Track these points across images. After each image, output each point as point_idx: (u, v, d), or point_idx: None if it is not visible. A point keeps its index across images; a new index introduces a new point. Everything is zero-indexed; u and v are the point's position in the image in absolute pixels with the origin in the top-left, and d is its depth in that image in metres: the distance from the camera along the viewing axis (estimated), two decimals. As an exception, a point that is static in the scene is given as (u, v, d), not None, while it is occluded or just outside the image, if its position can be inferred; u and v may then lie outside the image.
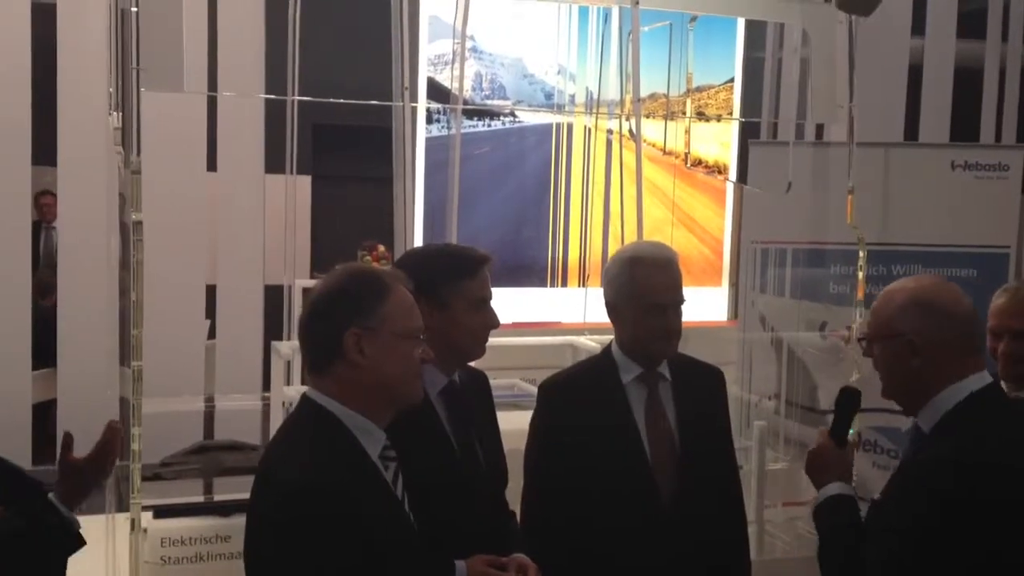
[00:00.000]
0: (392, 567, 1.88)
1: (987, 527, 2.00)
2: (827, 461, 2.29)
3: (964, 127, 7.63)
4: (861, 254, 4.30)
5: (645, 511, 2.59)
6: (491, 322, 2.49)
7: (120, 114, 3.48)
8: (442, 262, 2.45)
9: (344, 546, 1.80)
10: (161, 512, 3.85)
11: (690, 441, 2.65)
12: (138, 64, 3.25)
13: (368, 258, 7.26)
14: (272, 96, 5.92)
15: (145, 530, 3.76)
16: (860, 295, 4.32)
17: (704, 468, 2.65)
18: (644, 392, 2.67)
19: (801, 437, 4.81)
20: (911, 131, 7.53)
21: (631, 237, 5.28)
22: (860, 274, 4.32)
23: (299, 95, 5.18)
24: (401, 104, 4.49)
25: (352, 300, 1.96)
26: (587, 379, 2.75)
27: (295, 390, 4.56)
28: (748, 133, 7.46)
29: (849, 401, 2.37)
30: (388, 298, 1.98)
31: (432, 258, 2.50)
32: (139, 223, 3.13)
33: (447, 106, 6.73)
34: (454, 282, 2.40)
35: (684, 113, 6.66)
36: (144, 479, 4.09)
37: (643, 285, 2.60)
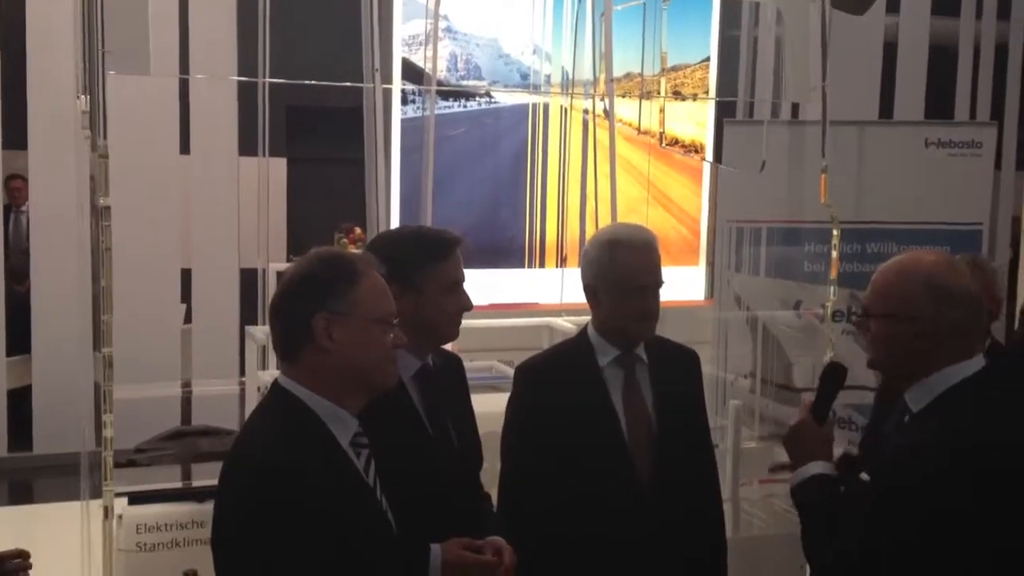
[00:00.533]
0: (360, 553, 1.87)
1: (989, 509, 1.99)
2: (808, 438, 2.26)
3: (939, 105, 7.66)
4: (835, 232, 4.32)
5: (623, 492, 2.59)
6: (464, 304, 2.48)
7: (88, 97, 3.44)
8: (414, 245, 2.43)
9: (306, 529, 1.78)
10: (136, 498, 3.83)
11: (667, 422, 2.65)
12: (104, 47, 3.20)
13: (345, 241, 7.23)
14: (243, 78, 5.86)
15: (120, 516, 3.75)
16: (834, 273, 4.34)
17: (681, 449, 2.65)
18: (621, 374, 2.66)
19: (776, 415, 4.83)
20: (886, 109, 7.55)
21: (607, 217, 5.27)
22: (834, 252, 4.33)
23: (271, 77, 5.14)
24: (372, 86, 4.46)
25: (322, 284, 1.94)
26: (564, 361, 2.74)
27: (270, 375, 4.54)
28: (724, 112, 7.47)
29: (834, 377, 2.32)
30: (359, 283, 1.95)
31: (403, 241, 2.48)
32: (107, 208, 3.07)
33: (421, 87, 6.69)
34: (426, 265, 2.39)
35: (659, 92, 6.65)
36: (119, 465, 4.07)
37: (623, 268, 2.59)
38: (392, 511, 2.03)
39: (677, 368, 2.74)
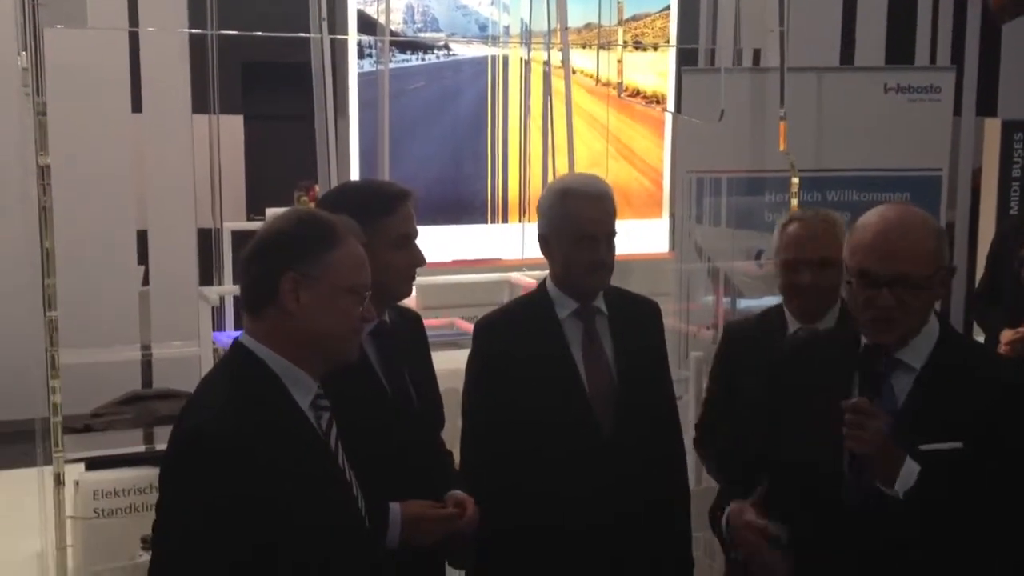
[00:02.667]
0: (318, 517, 1.83)
1: None
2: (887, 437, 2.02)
3: (900, 50, 7.64)
4: (794, 181, 4.30)
5: (585, 445, 2.58)
6: (416, 260, 2.43)
7: (27, 54, 3.35)
8: (358, 199, 2.37)
9: (249, 493, 1.74)
10: (93, 464, 3.78)
11: (628, 374, 2.63)
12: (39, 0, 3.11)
13: (305, 198, 7.14)
14: (191, 31, 5.73)
15: (77, 483, 3.70)
16: (794, 222, 4.31)
17: (642, 400, 2.64)
18: (581, 327, 2.64)
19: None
20: (847, 55, 7.52)
21: (566, 170, 5.23)
22: (794, 201, 4.32)
23: (223, 30, 5.02)
24: (319, 36, 4.36)
25: (296, 243, 1.88)
26: (523, 316, 2.71)
27: (226, 336, 4.49)
28: (686, 61, 7.40)
29: None
30: (336, 248, 1.89)
31: (348, 195, 2.42)
32: (47, 167, 2.98)
33: (375, 38, 6.56)
34: (372, 219, 2.32)
35: (618, 42, 6.57)
36: (75, 431, 4.02)
37: (573, 217, 2.57)
38: (357, 474, 1.99)
39: (638, 320, 2.72)
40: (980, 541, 2.02)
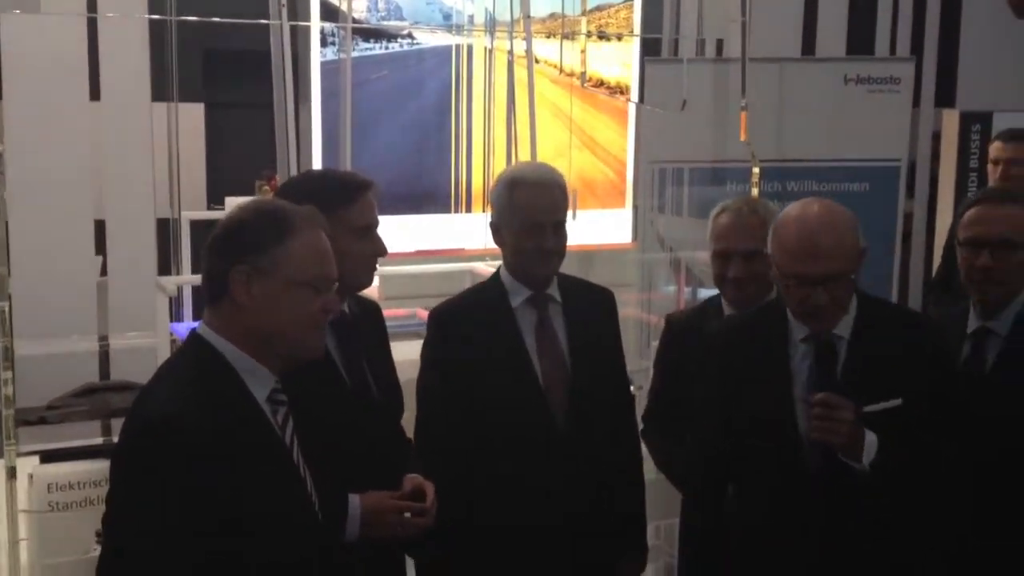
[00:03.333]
0: (268, 513, 1.81)
1: None
2: (853, 426, 2.20)
3: (860, 41, 7.68)
4: (755, 171, 4.32)
5: (539, 433, 2.61)
6: (378, 250, 2.43)
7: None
8: (319, 189, 2.35)
9: (200, 484, 1.71)
10: (47, 456, 3.72)
11: (582, 362, 2.66)
12: (-12, -15, 3.05)
13: (267, 188, 7.08)
14: (151, 16, 5.65)
15: (31, 476, 3.65)
16: (755, 212, 4.32)
17: (596, 388, 2.67)
18: (534, 315, 2.67)
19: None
20: (808, 46, 7.55)
21: (528, 160, 5.22)
22: (754, 191, 4.34)
23: (183, 16, 4.96)
24: (279, 23, 4.31)
25: (248, 235, 1.84)
26: (477, 304, 2.73)
27: (184, 327, 4.44)
28: (649, 52, 7.41)
29: (830, 352, 2.31)
30: (290, 240, 1.85)
31: (309, 185, 2.40)
32: (1, 155, 2.94)
33: (337, 25, 6.50)
34: (333, 209, 2.30)
35: (581, 32, 6.56)
36: (28, 423, 3.97)
37: (521, 206, 2.59)
38: (312, 468, 1.96)
39: (592, 308, 2.75)
40: (930, 490, 2.25)
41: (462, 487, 2.52)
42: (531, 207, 2.59)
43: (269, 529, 1.80)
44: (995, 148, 4.47)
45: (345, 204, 2.35)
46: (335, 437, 2.17)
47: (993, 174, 4.45)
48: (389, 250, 2.47)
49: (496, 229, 2.67)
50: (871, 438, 2.19)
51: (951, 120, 6.80)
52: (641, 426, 3.06)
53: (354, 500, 2.24)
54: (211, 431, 1.74)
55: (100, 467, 3.65)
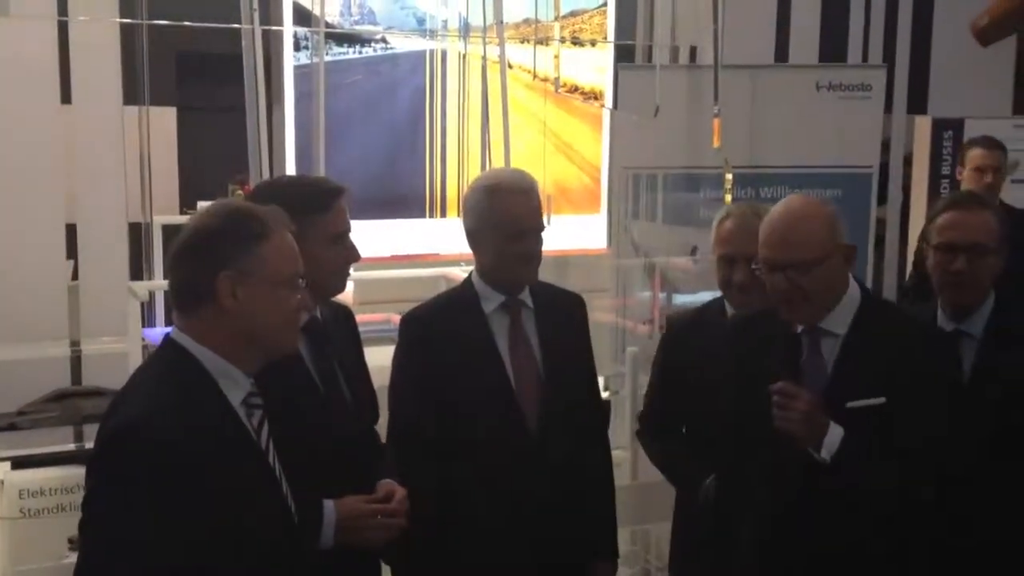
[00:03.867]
0: (244, 517, 1.81)
1: None
2: (816, 414, 2.26)
3: (833, 48, 7.74)
4: (728, 177, 4.35)
5: (511, 438, 2.63)
6: (351, 256, 2.44)
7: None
8: (293, 196, 2.35)
9: (177, 494, 1.71)
10: (19, 463, 3.70)
11: (553, 367, 2.68)
12: (-44, -12, 3.01)
13: (240, 192, 7.04)
14: (122, 20, 5.61)
15: (2, 482, 3.63)
16: (727, 218, 4.34)
17: (568, 393, 2.69)
18: (507, 320, 2.69)
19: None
20: (781, 54, 7.60)
21: (502, 165, 5.22)
22: (727, 197, 4.37)
23: (154, 20, 4.93)
24: (251, 27, 4.30)
25: (228, 240, 1.86)
26: (449, 310, 2.74)
27: (156, 332, 4.41)
28: (624, 58, 7.43)
29: (796, 347, 2.38)
30: (267, 240, 1.88)
31: (282, 192, 2.39)
32: (-30, 160, 2.90)
33: (310, 30, 6.48)
34: (308, 217, 2.31)
35: (554, 38, 6.58)
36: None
37: (503, 212, 2.60)
38: (286, 473, 1.97)
39: (563, 313, 2.77)
40: (894, 485, 2.27)
41: (431, 490, 2.53)
42: (514, 214, 2.60)
43: (245, 534, 1.80)
44: (979, 155, 4.52)
45: (320, 211, 2.36)
46: (307, 442, 2.17)
47: (975, 181, 4.50)
48: (363, 255, 2.48)
49: (473, 235, 2.67)
50: (836, 431, 2.24)
51: (923, 127, 6.86)
52: (637, 426, 3.12)
53: (329, 506, 2.25)
54: (185, 436, 1.74)
55: (72, 473, 3.64)
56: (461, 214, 2.71)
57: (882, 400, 2.25)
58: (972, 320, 2.67)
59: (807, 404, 2.25)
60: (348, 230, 2.43)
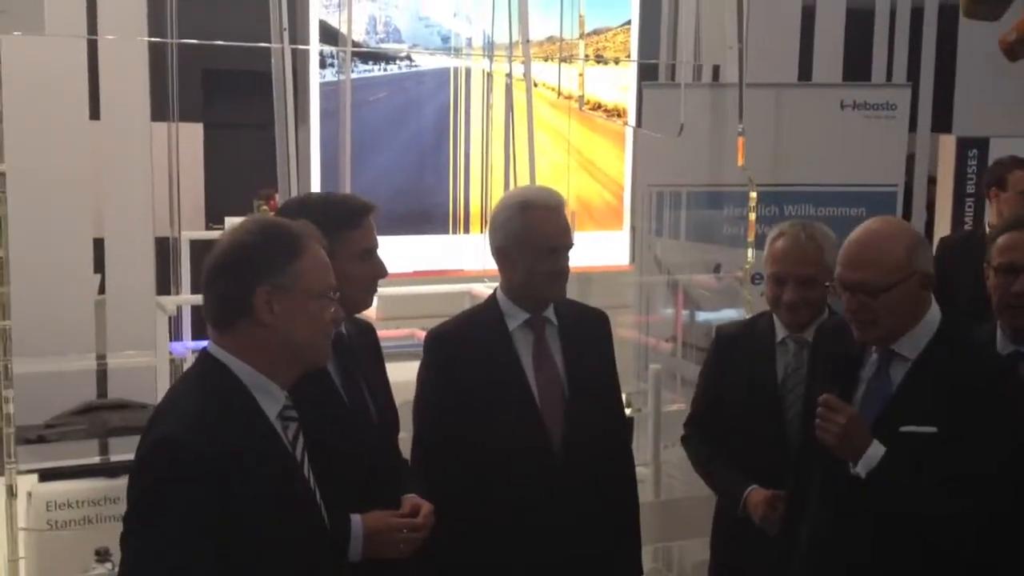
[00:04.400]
0: (283, 530, 1.83)
1: None
2: (857, 429, 2.28)
3: (857, 67, 7.74)
4: (752, 195, 4.34)
5: (535, 454, 2.64)
6: (379, 272, 2.47)
7: (-16, 60, 3.31)
8: (324, 213, 2.38)
9: (220, 508, 1.73)
10: (46, 475, 3.73)
11: (578, 384, 2.70)
12: (-5, 7, 3.07)
13: (265, 208, 7.09)
14: (151, 39, 5.68)
15: (30, 494, 3.66)
16: (751, 236, 4.37)
17: (592, 410, 2.71)
18: (531, 337, 2.70)
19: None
20: (805, 72, 7.60)
21: (527, 182, 5.24)
22: (751, 215, 4.37)
23: (183, 38, 4.99)
24: (280, 46, 4.35)
25: (264, 256, 1.89)
26: (473, 327, 2.75)
27: (183, 346, 4.45)
28: (647, 76, 7.45)
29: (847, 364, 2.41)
30: (302, 255, 1.91)
31: (313, 209, 2.41)
32: (3, 175, 2.96)
33: (337, 48, 6.54)
34: (338, 234, 2.35)
35: (579, 56, 6.61)
36: (28, 442, 3.97)
37: (537, 230, 2.62)
38: (319, 486, 2.00)
39: (587, 330, 2.79)
40: (934, 520, 2.25)
41: (458, 507, 2.53)
42: (548, 231, 2.63)
43: (285, 547, 1.83)
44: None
45: (350, 228, 2.40)
46: (336, 457, 2.19)
47: (1018, 203, 4.42)
48: (388, 271, 2.50)
49: (503, 251, 2.68)
50: (878, 449, 2.25)
51: (948, 146, 6.84)
52: (683, 432, 3.14)
53: (356, 520, 2.28)
54: (226, 450, 1.76)
55: (99, 486, 3.67)
56: (488, 231, 2.72)
57: (934, 430, 2.24)
58: None
59: (847, 418, 2.27)
60: (376, 246, 2.46)
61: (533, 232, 2.62)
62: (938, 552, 2.26)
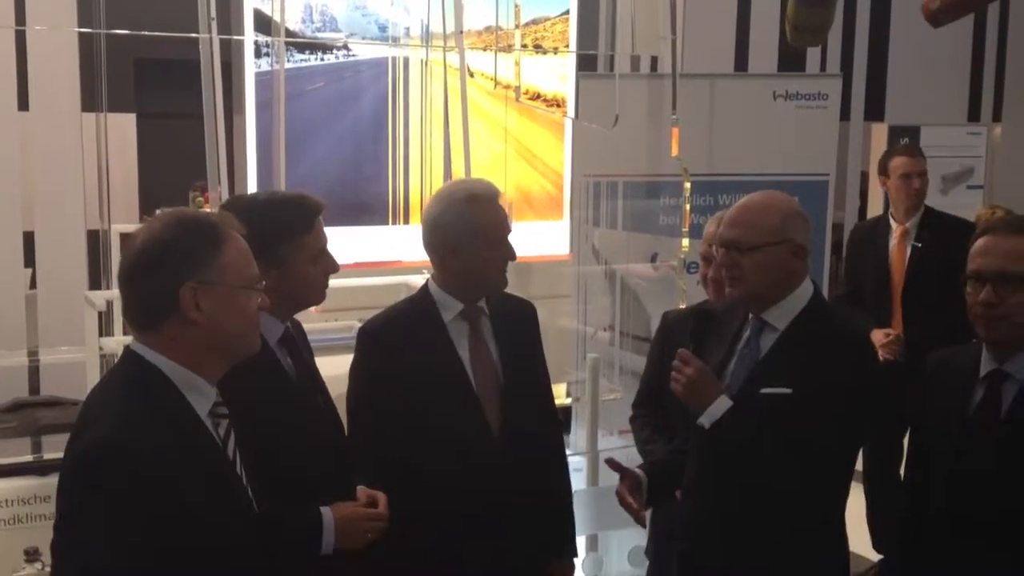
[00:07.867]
0: (214, 529, 1.80)
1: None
2: (706, 382, 2.42)
3: (792, 58, 7.84)
4: (686, 185, 4.38)
5: (476, 443, 2.66)
6: (330, 268, 2.48)
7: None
8: (275, 218, 2.36)
9: (151, 510, 1.70)
10: (-27, 474, 3.65)
11: (512, 372, 2.73)
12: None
13: (201, 199, 7.01)
14: (80, 29, 5.57)
15: (-44, 494, 3.57)
16: (686, 225, 4.41)
17: (527, 398, 2.75)
18: (466, 328, 2.72)
19: (634, 367, 4.91)
20: (741, 63, 7.68)
21: (463, 172, 5.23)
22: (686, 205, 4.41)
23: (113, 28, 4.90)
24: (208, 36, 4.29)
25: (185, 251, 1.83)
26: (407, 320, 2.75)
27: (115, 342, 4.37)
28: (586, 66, 7.47)
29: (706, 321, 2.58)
30: (224, 247, 1.86)
31: (262, 213, 2.34)
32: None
33: (270, 38, 6.46)
34: (292, 241, 2.35)
35: (516, 46, 6.60)
36: (-46, 441, 3.88)
37: (485, 220, 2.64)
38: (262, 478, 1.99)
39: (518, 320, 2.84)
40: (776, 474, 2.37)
41: (400, 497, 2.54)
42: (495, 222, 2.67)
43: (221, 543, 1.81)
44: (904, 163, 4.60)
45: (303, 233, 2.38)
46: (300, 454, 2.28)
47: (904, 188, 4.58)
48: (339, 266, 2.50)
49: (448, 244, 2.65)
50: (724, 403, 2.39)
51: (880, 134, 6.96)
52: (631, 413, 3.29)
53: (327, 512, 2.29)
54: (159, 452, 1.73)
55: (29, 484, 3.60)
56: (426, 225, 2.70)
57: (788, 391, 2.35)
58: (1017, 360, 2.34)
59: (695, 370, 2.41)
60: (326, 243, 2.46)
61: (482, 223, 2.63)
62: (776, 505, 2.38)
